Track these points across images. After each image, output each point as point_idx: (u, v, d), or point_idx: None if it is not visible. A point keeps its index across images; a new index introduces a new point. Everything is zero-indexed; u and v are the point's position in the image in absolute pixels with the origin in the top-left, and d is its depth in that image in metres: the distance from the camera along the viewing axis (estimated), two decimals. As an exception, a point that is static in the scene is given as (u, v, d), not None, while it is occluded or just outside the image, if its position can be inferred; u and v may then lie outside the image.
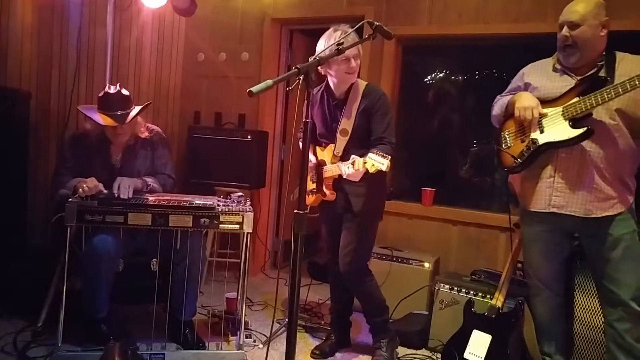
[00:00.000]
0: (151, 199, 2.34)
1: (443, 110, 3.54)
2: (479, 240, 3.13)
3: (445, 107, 3.55)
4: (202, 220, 2.27)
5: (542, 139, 2.01)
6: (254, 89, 1.42)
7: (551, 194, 2.02)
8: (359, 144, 2.26)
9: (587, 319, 2.33)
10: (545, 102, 2.03)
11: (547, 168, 2.03)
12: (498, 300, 2.28)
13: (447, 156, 3.58)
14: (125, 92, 2.47)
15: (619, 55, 1.98)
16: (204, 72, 3.95)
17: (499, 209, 3.30)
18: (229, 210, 2.31)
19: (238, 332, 2.45)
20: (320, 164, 2.36)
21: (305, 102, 1.52)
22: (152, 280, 2.29)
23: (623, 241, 1.97)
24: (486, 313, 2.27)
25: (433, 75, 3.67)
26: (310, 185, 2.42)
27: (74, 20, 3.28)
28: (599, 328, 2.28)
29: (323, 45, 2.20)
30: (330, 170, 2.29)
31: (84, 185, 2.22)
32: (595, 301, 2.30)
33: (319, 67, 2.04)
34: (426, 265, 2.97)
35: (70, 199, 2.20)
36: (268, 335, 2.62)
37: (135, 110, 2.48)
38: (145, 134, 2.59)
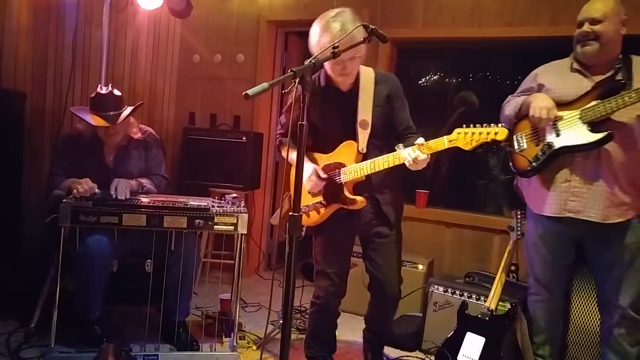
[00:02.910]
0: (146, 200, 2.34)
1: (437, 113, 3.56)
2: (472, 242, 3.15)
3: (440, 110, 3.57)
4: (197, 221, 2.27)
5: (558, 142, 1.97)
6: (250, 91, 1.42)
7: (567, 198, 1.99)
8: (380, 137, 2.01)
9: (582, 322, 2.35)
10: (560, 104, 1.97)
11: (563, 172, 2.00)
12: (492, 303, 2.29)
13: (441, 158, 3.60)
14: (117, 92, 2.47)
15: (635, 58, 1.96)
16: (200, 74, 3.95)
17: (492, 211, 3.32)
18: (224, 211, 2.31)
19: (232, 334, 2.45)
20: (331, 168, 2.04)
21: (302, 105, 1.50)
22: (146, 281, 2.28)
23: (630, 250, 1.97)
24: (480, 315, 2.27)
25: (428, 77, 3.69)
26: (311, 200, 2.08)
27: (69, 21, 3.28)
28: (593, 332, 2.30)
29: (317, 36, 1.93)
30: (355, 170, 1.96)
31: (78, 187, 2.22)
32: (591, 305, 2.31)
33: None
34: (420, 267, 2.98)
35: (64, 200, 2.20)
36: (262, 336, 2.62)
37: (127, 110, 2.48)
38: (138, 135, 2.59)
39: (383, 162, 1.91)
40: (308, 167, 1.99)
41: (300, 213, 1.62)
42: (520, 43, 3.08)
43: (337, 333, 2.36)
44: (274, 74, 3.87)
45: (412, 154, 1.80)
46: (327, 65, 1.96)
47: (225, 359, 2.35)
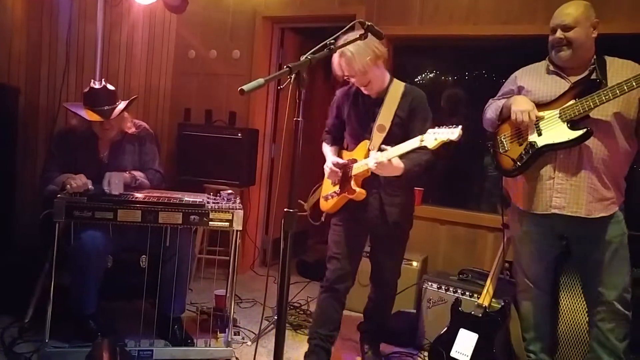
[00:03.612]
0: (141, 195, 2.34)
1: (433, 110, 3.57)
2: (466, 239, 3.17)
3: (436, 107, 3.58)
4: (192, 217, 2.27)
5: (541, 141, 2.02)
6: (246, 87, 1.42)
7: (552, 195, 2.03)
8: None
9: (572, 318, 2.38)
10: (539, 105, 2.05)
11: (547, 170, 2.04)
12: (485, 300, 2.31)
13: (437, 155, 3.61)
14: (110, 87, 2.47)
15: (609, 59, 2.02)
16: (195, 69, 3.94)
17: (487, 209, 3.34)
18: (219, 207, 2.32)
19: (226, 329, 2.46)
20: (348, 164, 2.22)
21: (297, 101, 1.52)
22: (140, 276, 2.29)
23: (614, 243, 2.01)
24: (473, 312, 2.29)
25: (424, 75, 3.70)
26: (332, 188, 2.29)
27: (63, 15, 3.26)
28: (582, 327, 2.32)
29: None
30: (361, 166, 2.13)
31: (72, 182, 2.22)
32: (579, 301, 2.34)
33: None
34: (414, 264, 3.00)
35: (59, 195, 2.19)
36: (257, 332, 2.63)
37: (122, 105, 2.47)
38: (132, 130, 2.59)
39: (363, 163, 2.11)
40: (328, 156, 2.30)
41: (323, 197, 2.31)
42: (516, 41, 3.09)
43: None
44: (269, 70, 3.86)
45: (375, 158, 1.97)
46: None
47: (220, 354, 2.36)
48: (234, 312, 2.45)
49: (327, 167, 2.25)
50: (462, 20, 3.16)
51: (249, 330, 2.72)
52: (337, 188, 2.26)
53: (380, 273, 2.37)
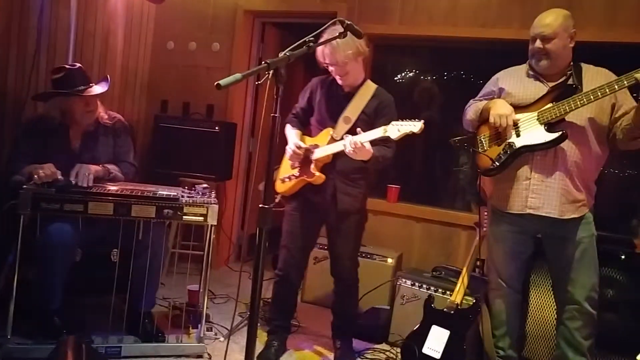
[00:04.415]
0: (114, 188, 2.29)
1: (412, 109, 3.60)
2: (441, 237, 3.20)
3: (415, 106, 3.61)
4: (166, 211, 2.24)
5: (519, 142, 2.07)
6: (222, 82, 1.41)
7: (528, 195, 2.08)
8: None
9: (540, 315, 2.44)
10: (519, 107, 2.10)
11: (523, 170, 2.09)
12: (457, 297, 2.35)
13: (414, 154, 3.64)
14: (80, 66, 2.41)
15: (584, 66, 2.09)
16: (173, 61, 3.87)
17: (461, 207, 3.39)
18: (194, 201, 2.28)
19: (199, 325, 2.43)
20: (310, 149, 2.32)
21: (275, 97, 1.51)
22: (111, 271, 2.24)
23: (583, 244, 2.07)
24: (445, 309, 2.33)
25: (403, 74, 3.72)
26: (290, 171, 2.38)
27: (34, 0, 3.14)
28: (550, 324, 2.38)
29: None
30: (325, 150, 2.25)
31: (40, 172, 2.14)
32: (548, 298, 2.40)
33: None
34: (389, 260, 3.02)
35: (25, 186, 2.12)
36: (230, 328, 2.61)
37: (102, 86, 2.42)
38: (106, 121, 2.53)
39: (329, 148, 2.23)
40: (292, 139, 2.36)
41: (279, 179, 2.38)
42: (493, 43, 3.14)
43: (306, 325, 2.60)
44: (249, 64, 3.82)
45: (352, 143, 2.07)
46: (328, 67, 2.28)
47: (191, 350, 2.33)
48: (207, 308, 2.42)
49: (290, 148, 2.33)
50: (441, 22, 3.19)
51: (222, 326, 2.69)
52: (295, 171, 2.35)
53: (338, 264, 2.43)
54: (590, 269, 2.09)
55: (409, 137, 2.02)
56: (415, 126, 1.97)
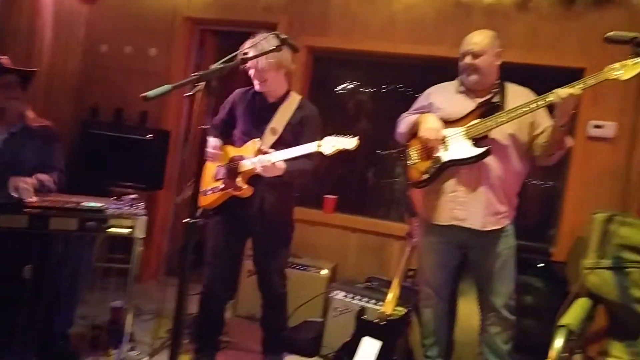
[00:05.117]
0: (32, 199, 2.14)
1: (350, 120, 3.66)
2: (375, 247, 3.25)
3: (352, 117, 3.67)
4: (89, 223, 2.12)
5: (446, 156, 2.15)
6: (150, 93, 1.39)
7: (453, 207, 2.16)
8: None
9: (467, 323, 2.52)
10: (448, 121, 2.19)
11: (450, 183, 2.17)
12: (388, 308, 2.39)
13: (352, 165, 3.70)
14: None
15: (508, 85, 2.23)
16: (106, 64, 3.72)
17: (396, 218, 3.47)
18: (120, 213, 2.19)
19: (120, 345, 2.31)
20: (234, 159, 2.29)
21: (207, 109, 1.50)
22: (23, 288, 2.08)
23: (503, 255, 2.19)
24: (376, 320, 2.36)
25: (343, 86, 3.78)
26: (213, 183, 2.32)
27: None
28: (476, 332, 2.48)
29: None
30: (253, 163, 2.19)
31: None
32: (474, 307, 2.49)
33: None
34: (323, 272, 3.02)
35: None
36: (156, 346, 2.50)
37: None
38: (34, 124, 2.38)
39: (255, 160, 2.18)
40: (211, 140, 2.28)
41: (202, 193, 2.18)
42: (428, 60, 3.26)
43: (237, 340, 2.52)
44: (187, 70, 3.73)
45: (260, 160, 2.10)
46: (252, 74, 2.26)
47: (110, 372, 2.22)
48: (132, 325, 2.31)
49: (209, 149, 2.23)
50: (378, 37, 3.27)
51: (147, 345, 2.57)
52: (219, 183, 2.29)
53: (265, 278, 2.40)
54: (509, 278, 2.22)
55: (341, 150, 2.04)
56: (349, 143, 1.99)
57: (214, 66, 1.57)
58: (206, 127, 1.55)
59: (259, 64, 2.18)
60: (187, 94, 1.53)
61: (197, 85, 1.49)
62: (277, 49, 1.85)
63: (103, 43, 3.71)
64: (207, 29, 3.85)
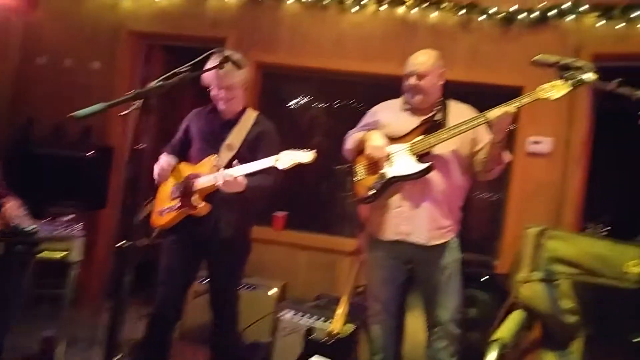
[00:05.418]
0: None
1: (301, 136, 3.66)
2: (325, 264, 3.24)
3: (303, 133, 3.68)
4: (18, 247, 1.99)
5: (391, 172, 2.17)
6: (80, 112, 1.34)
7: (399, 223, 2.18)
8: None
9: (415, 338, 2.53)
10: (393, 138, 2.22)
11: (395, 199, 2.20)
12: (336, 325, 2.38)
13: (302, 180, 3.69)
14: None
15: (450, 103, 2.29)
16: (45, 77, 3.56)
17: (348, 233, 3.48)
18: (53, 236, 2.07)
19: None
20: (190, 177, 2.23)
21: (144, 128, 1.46)
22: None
23: (449, 269, 2.22)
24: (324, 339, 2.34)
25: (294, 102, 3.79)
26: (169, 203, 2.27)
27: None
28: (423, 347, 2.50)
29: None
30: (208, 180, 2.15)
31: None
32: (422, 321, 2.52)
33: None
34: (272, 291, 2.98)
35: None
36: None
37: None
38: None
39: (210, 178, 2.14)
40: (164, 157, 2.26)
41: (158, 213, 2.23)
42: (375, 77, 3.32)
43: None
44: (131, 85, 3.61)
45: (222, 176, 2.04)
46: (212, 90, 2.24)
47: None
48: (63, 356, 2.16)
49: (157, 167, 2.23)
50: (328, 54, 3.31)
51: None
52: (175, 203, 2.25)
53: (219, 298, 2.35)
54: (455, 292, 2.25)
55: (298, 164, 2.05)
56: (306, 156, 2.00)
57: (152, 84, 1.54)
58: (142, 146, 1.49)
59: (231, 81, 2.17)
60: (123, 113, 1.49)
61: (134, 104, 1.45)
62: (219, 66, 1.86)
63: (41, 55, 3.56)
64: (154, 43, 3.76)
